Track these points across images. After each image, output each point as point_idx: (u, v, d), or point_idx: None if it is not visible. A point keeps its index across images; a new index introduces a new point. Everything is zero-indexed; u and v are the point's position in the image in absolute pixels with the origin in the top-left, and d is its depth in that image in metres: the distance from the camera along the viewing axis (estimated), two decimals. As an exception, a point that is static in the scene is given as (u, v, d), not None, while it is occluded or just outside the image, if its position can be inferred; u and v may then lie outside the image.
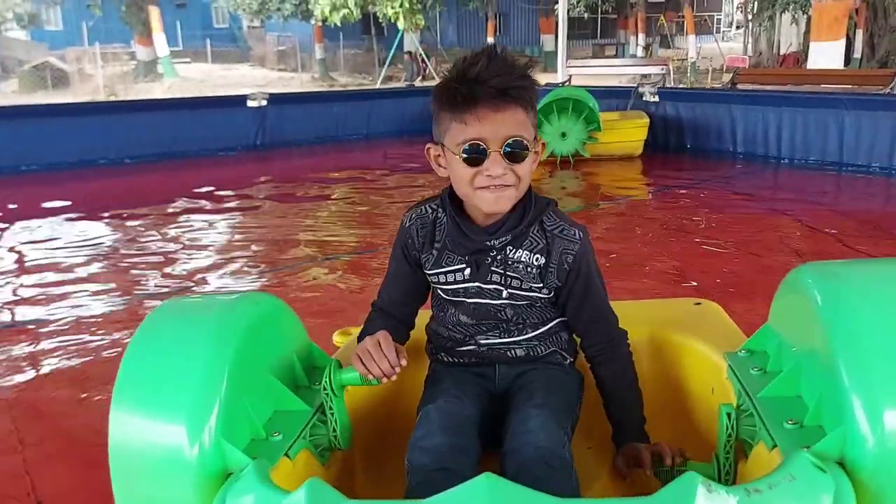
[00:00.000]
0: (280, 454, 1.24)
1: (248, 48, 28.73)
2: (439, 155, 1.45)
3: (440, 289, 1.55)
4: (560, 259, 1.47)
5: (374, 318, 1.63)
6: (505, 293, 1.49)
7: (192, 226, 5.84)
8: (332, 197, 6.99)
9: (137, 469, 1.16)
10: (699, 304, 1.94)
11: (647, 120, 8.15)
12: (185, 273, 4.53)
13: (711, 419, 1.52)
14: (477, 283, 1.49)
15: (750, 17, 24.04)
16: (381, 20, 21.00)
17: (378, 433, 1.66)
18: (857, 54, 18.41)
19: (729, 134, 8.45)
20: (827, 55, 15.67)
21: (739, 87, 10.86)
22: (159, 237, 5.44)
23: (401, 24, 18.55)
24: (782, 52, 21.87)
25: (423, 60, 19.58)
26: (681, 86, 14.48)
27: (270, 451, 1.24)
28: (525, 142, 1.36)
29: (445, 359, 1.61)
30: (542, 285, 1.49)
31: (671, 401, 1.72)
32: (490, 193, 1.38)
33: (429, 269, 1.54)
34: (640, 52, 26.27)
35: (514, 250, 1.47)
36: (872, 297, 1.18)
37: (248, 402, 1.26)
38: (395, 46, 19.00)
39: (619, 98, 9.28)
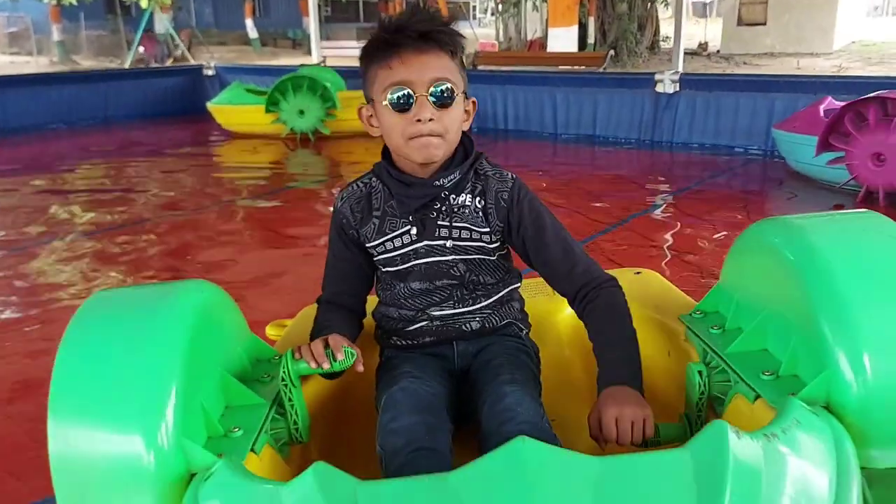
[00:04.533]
0: (246, 449, 1.14)
1: (-29, 29, 25.62)
2: (371, 115, 1.43)
3: (386, 259, 1.48)
4: (496, 199, 1.45)
5: (323, 312, 1.51)
6: (449, 244, 1.45)
7: None
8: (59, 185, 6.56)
9: (87, 483, 1.03)
10: (639, 273, 1.92)
11: (384, 97, 8.44)
12: None
13: (670, 381, 1.52)
14: (424, 242, 1.45)
15: (500, 4, 25.49)
16: (124, -1, 19.72)
17: (332, 426, 1.56)
18: (591, 39, 20.21)
19: (464, 110, 8.99)
20: (563, 40, 17.07)
21: (480, 68, 11.59)
22: None
23: (144, 3, 17.53)
24: (529, 37, 23.43)
25: (170, 42, 18.67)
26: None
27: (234, 447, 1.14)
28: (452, 86, 1.35)
29: (398, 342, 1.53)
30: (488, 229, 1.45)
31: None
32: (419, 141, 1.36)
33: (372, 241, 1.47)
34: (400, 36, 26.82)
35: (456, 196, 1.45)
36: (842, 248, 1.20)
37: (203, 397, 1.15)
38: (142, 27, 17.92)
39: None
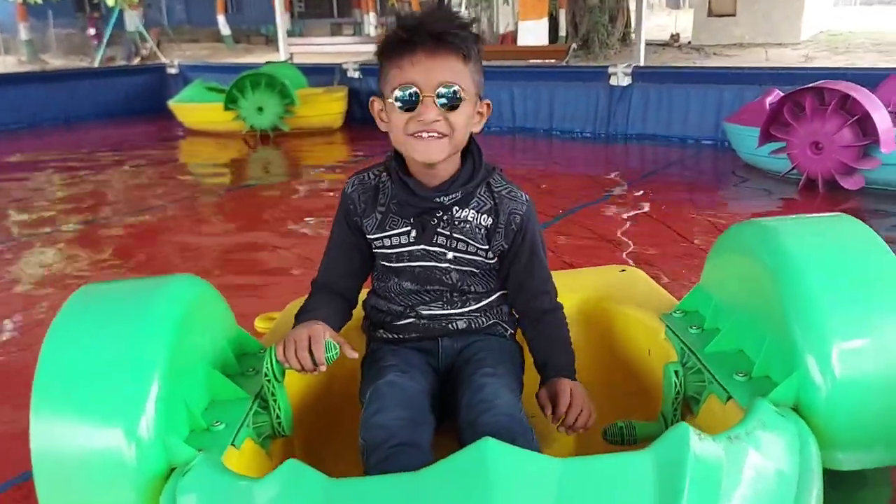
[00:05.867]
0: (227, 443, 1.17)
1: (-65, 28, 25.24)
2: (381, 109, 1.42)
3: (383, 254, 1.50)
4: (508, 220, 1.46)
5: (314, 296, 1.52)
6: (450, 255, 1.46)
7: None
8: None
9: (68, 476, 1.04)
10: (624, 270, 1.95)
11: (343, 94, 8.46)
12: None
13: (649, 379, 1.55)
14: (422, 246, 1.47)
15: (472, -3, 25.47)
16: (92, -3, 19.52)
17: (316, 417, 1.58)
18: (562, 32, 20.27)
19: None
20: (533, 33, 17.11)
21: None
22: None
23: (111, 1, 17.38)
24: (501, 31, 23.45)
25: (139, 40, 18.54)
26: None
27: (215, 441, 1.17)
28: (459, 91, 1.34)
29: (384, 335, 1.55)
30: (487, 247, 1.47)
31: (607, 366, 1.70)
32: (422, 142, 1.35)
33: (371, 234, 1.49)
34: (373, 31, 26.81)
35: (460, 210, 1.45)
36: (815, 253, 1.24)
37: (185, 391, 1.17)
38: (111, 25, 17.77)
39: (330, 74, 9.48)
